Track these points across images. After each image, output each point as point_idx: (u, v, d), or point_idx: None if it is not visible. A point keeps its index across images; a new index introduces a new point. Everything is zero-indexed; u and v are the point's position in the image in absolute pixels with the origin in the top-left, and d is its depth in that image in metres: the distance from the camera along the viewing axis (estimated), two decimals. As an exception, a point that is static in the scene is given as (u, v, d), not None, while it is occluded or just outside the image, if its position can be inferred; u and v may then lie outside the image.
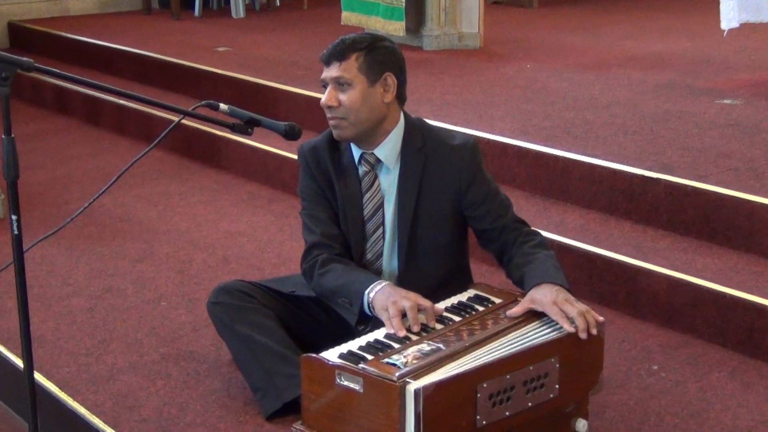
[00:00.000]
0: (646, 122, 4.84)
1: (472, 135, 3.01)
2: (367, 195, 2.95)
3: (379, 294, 2.73)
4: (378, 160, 2.94)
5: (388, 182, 2.95)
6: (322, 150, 2.99)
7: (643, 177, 3.98)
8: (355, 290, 2.79)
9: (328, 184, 2.98)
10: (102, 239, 4.51)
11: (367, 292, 2.76)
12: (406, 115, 2.97)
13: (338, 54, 2.85)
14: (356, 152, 2.96)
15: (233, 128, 2.92)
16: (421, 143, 2.94)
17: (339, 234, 2.97)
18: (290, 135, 3.01)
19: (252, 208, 4.92)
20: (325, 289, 2.90)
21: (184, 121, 3.03)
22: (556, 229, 3.94)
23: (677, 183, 3.88)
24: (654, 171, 3.99)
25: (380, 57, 2.86)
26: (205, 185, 5.31)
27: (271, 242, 4.44)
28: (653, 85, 5.66)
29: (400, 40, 6.90)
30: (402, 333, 2.61)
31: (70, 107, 6.95)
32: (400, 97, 2.94)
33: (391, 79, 2.88)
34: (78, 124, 6.72)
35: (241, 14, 8.67)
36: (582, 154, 4.27)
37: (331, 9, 7.73)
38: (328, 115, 2.89)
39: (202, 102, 2.85)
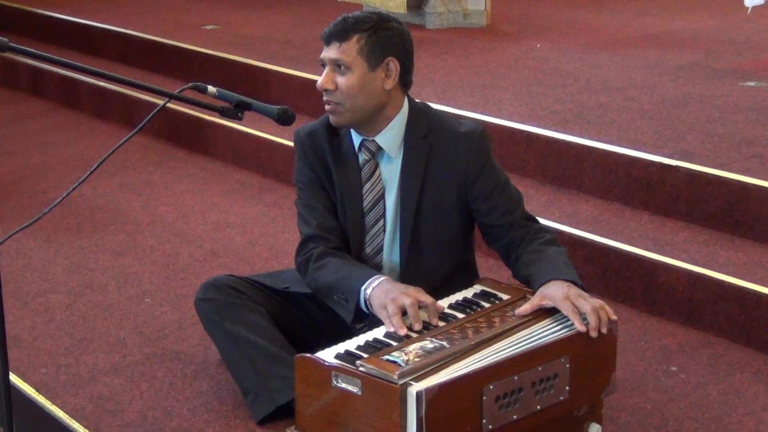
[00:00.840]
0: (665, 106, 4.84)
1: (480, 123, 2.99)
2: (368, 185, 2.95)
3: (377, 290, 2.73)
4: (379, 148, 2.93)
5: (390, 171, 2.95)
6: (320, 135, 2.98)
7: (661, 165, 3.98)
8: (351, 286, 2.79)
9: (326, 172, 2.98)
10: (82, 231, 4.51)
11: (363, 288, 2.76)
12: (410, 101, 2.96)
13: (339, 33, 2.84)
14: (356, 139, 2.96)
15: (222, 112, 2.91)
16: (425, 130, 2.93)
17: (336, 226, 2.97)
18: (283, 119, 3.01)
19: (242, 198, 4.92)
20: (320, 285, 2.90)
21: (169, 105, 3.03)
22: (568, 221, 3.94)
23: (698, 171, 3.88)
24: (673, 158, 3.99)
25: (384, 40, 2.85)
26: (192, 173, 5.31)
27: (262, 234, 4.44)
28: (672, 66, 5.65)
29: (401, 17, 6.89)
30: (403, 331, 2.61)
31: (47, 89, 6.95)
32: (405, 83, 2.93)
33: (393, 65, 2.86)
34: (55, 107, 6.72)
35: (231, -10, 8.65)
36: (596, 140, 4.27)
37: (327, -16, 7.73)
38: (324, 98, 2.88)
39: (189, 84, 2.84)
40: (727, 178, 3.80)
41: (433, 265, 2.95)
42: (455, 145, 2.90)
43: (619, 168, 4.11)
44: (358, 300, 2.77)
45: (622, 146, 4.17)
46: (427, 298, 2.69)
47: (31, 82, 7.09)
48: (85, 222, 4.63)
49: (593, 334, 2.60)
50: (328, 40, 2.86)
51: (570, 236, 3.81)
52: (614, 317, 2.66)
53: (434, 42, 6.47)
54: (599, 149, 4.20)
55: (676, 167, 3.93)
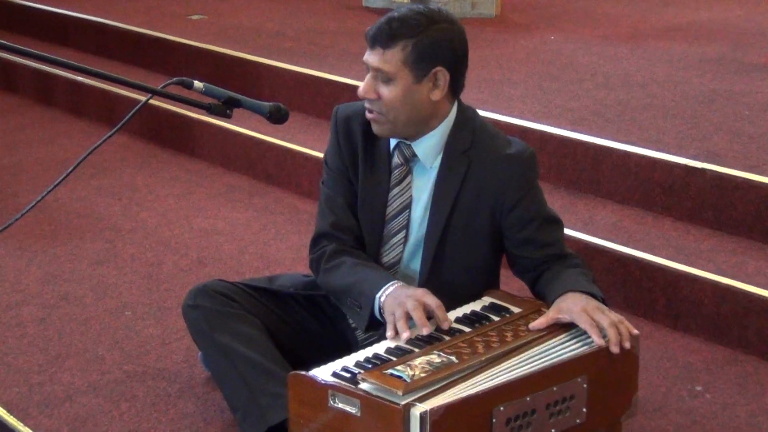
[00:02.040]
0: (690, 103, 4.85)
1: (529, 146, 2.94)
2: (395, 191, 2.93)
3: (389, 298, 2.74)
4: (414, 155, 2.92)
5: (422, 183, 2.93)
6: (356, 123, 2.95)
7: (685, 167, 3.98)
8: (365, 292, 2.80)
9: (353, 163, 2.96)
10: (57, 238, 4.52)
11: (378, 296, 2.77)
12: (459, 109, 2.91)
13: (384, 38, 2.75)
14: (392, 140, 2.93)
15: (209, 109, 2.92)
16: (468, 144, 2.88)
17: (355, 225, 2.97)
18: (275, 117, 3.01)
19: (231, 203, 4.93)
20: (333, 287, 2.91)
21: (152, 102, 3.03)
22: (585, 228, 3.95)
23: (725, 174, 3.88)
24: (698, 160, 4.00)
25: (432, 48, 2.76)
26: (176, 176, 5.31)
27: (252, 242, 4.45)
28: (698, 60, 5.66)
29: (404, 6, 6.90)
30: (405, 335, 2.62)
31: (19, 84, 6.96)
32: (455, 90, 2.87)
33: (442, 75, 2.79)
34: (28, 103, 6.73)
35: (218, -24, 8.67)
36: (615, 140, 4.27)
37: (324, -29, 7.75)
38: (366, 106, 2.85)
39: (174, 79, 2.85)
40: (757, 181, 3.80)
41: (455, 291, 2.91)
42: (498, 167, 2.86)
43: (640, 170, 4.12)
44: (373, 307, 2.78)
45: (643, 147, 4.17)
46: (432, 300, 2.69)
47: (1, 77, 7.09)
48: (60, 228, 4.63)
49: (614, 349, 2.60)
50: (372, 44, 2.78)
51: (587, 244, 3.81)
52: (635, 332, 2.66)
53: (439, 33, 6.48)
54: (618, 150, 4.20)
55: (702, 170, 3.93)
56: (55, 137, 5.99)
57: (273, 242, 4.43)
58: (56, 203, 4.86)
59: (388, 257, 2.97)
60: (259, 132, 5.20)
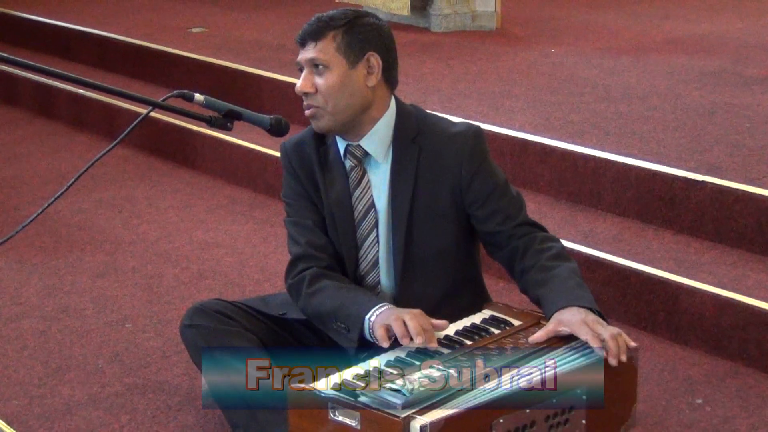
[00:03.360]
0: (690, 116, 4.85)
1: (477, 125, 3.01)
2: (356, 194, 2.97)
3: (380, 317, 2.75)
4: (365, 153, 2.96)
5: (379, 178, 2.97)
6: (307, 145, 3.01)
7: (686, 180, 3.99)
8: (353, 314, 2.81)
9: (313, 184, 3.00)
10: (57, 251, 4.52)
11: (368, 317, 2.77)
12: (398, 102, 3.00)
13: (313, 33, 2.88)
14: (341, 144, 2.99)
15: (210, 122, 2.93)
16: (414, 132, 2.96)
17: (327, 243, 2.99)
18: (276, 130, 3.03)
19: (231, 215, 4.93)
20: (317, 312, 2.91)
21: (153, 114, 3.05)
22: (585, 240, 3.95)
23: (726, 187, 3.89)
24: (699, 173, 4.00)
25: (362, 35, 2.89)
26: (177, 188, 5.32)
27: (253, 255, 4.45)
28: (698, 73, 5.67)
29: (404, 20, 6.93)
30: (406, 341, 2.65)
31: (20, 97, 6.97)
32: (389, 80, 2.96)
33: (374, 60, 2.89)
34: (29, 116, 6.74)
35: (219, -11, 8.69)
36: (615, 153, 4.28)
37: (324, -16, 7.76)
38: (305, 103, 2.92)
39: (174, 92, 2.86)
40: (757, 194, 3.81)
41: (431, 281, 2.96)
42: (447, 147, 2.93)
43: (641, 183, 4.12)
44: (362, 328, 2.78)
45: (643, 159, 4.18)
46: (426, 322, 2.70)
47: (2, 89, 7.11)
48: (61, 241, 4.64)
49: (612, 361, 2.60)
50: (303, 42, 2.90)
51: (587, 257, 3.82)
52: (633, 344, 2.67)
53: (440, 46, 6.50)
54: (619, 163, 4.21)
55: (702, 182, 3.94)
56: (56, 150, 6.00)
57: (273, 254, 4.43)
58: (57, 216, 4.87)
59: (366, 261, 2.99)
60: (260, 145, 5.21)
